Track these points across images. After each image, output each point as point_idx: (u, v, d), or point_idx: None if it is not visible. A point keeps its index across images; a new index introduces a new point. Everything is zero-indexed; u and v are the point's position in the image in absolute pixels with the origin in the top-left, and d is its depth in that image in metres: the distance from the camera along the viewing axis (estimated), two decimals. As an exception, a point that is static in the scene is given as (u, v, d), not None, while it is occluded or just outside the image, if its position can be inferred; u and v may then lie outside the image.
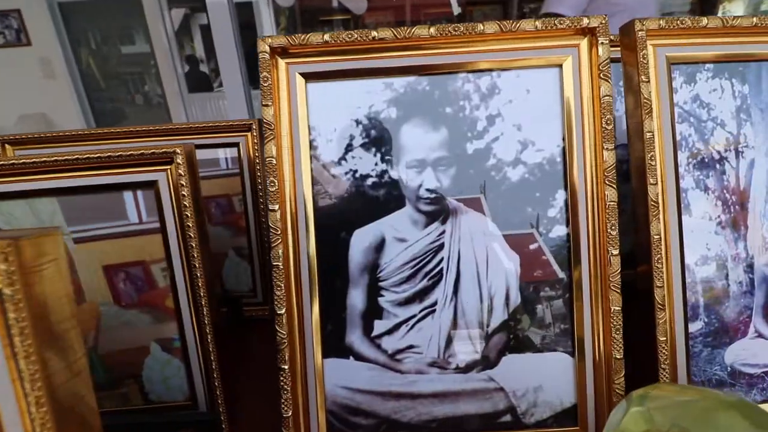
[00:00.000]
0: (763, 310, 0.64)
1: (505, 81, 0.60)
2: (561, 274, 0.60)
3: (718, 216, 0.63)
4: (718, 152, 0.63)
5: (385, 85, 0.60)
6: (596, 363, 0.60)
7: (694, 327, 0.62)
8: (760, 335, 0.64)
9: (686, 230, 0.62)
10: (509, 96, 0.60)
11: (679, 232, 0.61)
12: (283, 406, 0.58)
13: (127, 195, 0.64)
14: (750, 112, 0.64)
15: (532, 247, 0.61)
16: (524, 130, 0.60)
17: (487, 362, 0.60)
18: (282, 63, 0.59)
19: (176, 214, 0.62)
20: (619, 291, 0.58)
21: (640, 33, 0.60)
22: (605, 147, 0.58)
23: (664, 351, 0.60)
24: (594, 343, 0.60)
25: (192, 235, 0.62)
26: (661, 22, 0.60)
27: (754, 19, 0.62)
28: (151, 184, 0.63)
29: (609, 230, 0.58)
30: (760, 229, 0.63)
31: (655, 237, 0.59)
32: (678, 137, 0.62)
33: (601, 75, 0.58)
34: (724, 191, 0.63)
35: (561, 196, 0.60)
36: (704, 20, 0.61)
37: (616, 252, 0.58)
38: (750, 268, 0.63)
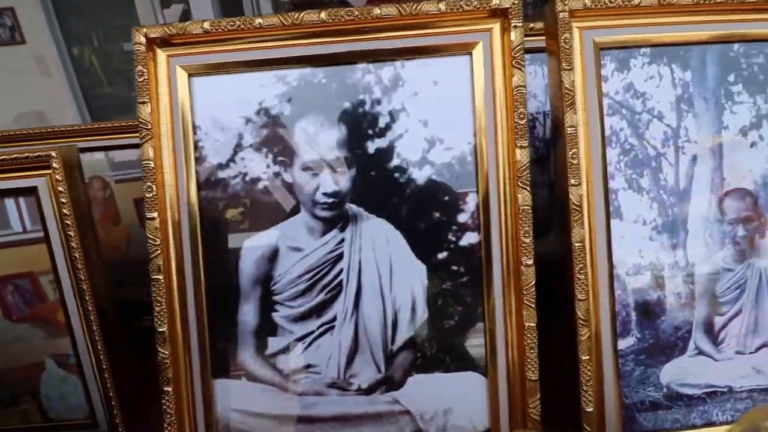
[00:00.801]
0: (705, 325, 0.57)
1: (410, 71, 0.54)
2: (472, 287, 0.54)
3: (654, 220, 0.56)
4: (655, 148, 0.56)
5: (277, 78, 0.54)
6: (511, 384, 0.54)
7: (625, 344, 0.56)
8: (702, 352, 0.57)
9: (616, 236, 0.55)
10: (414, 88, 0.54)
11: (608, 238, 0.55)
12: (166, 430, 0.54)
13: (9, 202, 0.59)
14: (692, 102, 0.56)
15: (441, 255, 0.55)
16: (431, 126, 0.54)
17: (391, 383, 0.55)
18: (162, 55, 0.54)
19: (59, 222, 0.58)
20: (533, 305, 0.52)
21: (562, 15, 0.53)
22: (518, 144, 0.52)
23: (587, 371, 0.54)
24: (508, 363, 0.54)
25: (75, 245, 0.57)
26: (587, 1, 0.53)
27: (698, -5, 0.55)
28: (32, 191, 0.58)
29: (522, 237, 0.52)
30: (702, 234, 0.57)
31: (577, 244, 0.53)
32: (608, 132, 0.56)
33: (515, 63, 0.52)
34: (661, 192, 0.56)
35: (472, 199, 0.54)
36: None
37: (530, 262, 0.52)
38: (690, 278, 0.57)
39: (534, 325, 0.53)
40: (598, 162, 0.55)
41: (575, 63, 0.54)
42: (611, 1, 0.53)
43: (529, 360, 0.53)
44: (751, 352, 0.58)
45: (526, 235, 0.52)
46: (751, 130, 0.57)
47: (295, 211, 0.55)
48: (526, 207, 0.52)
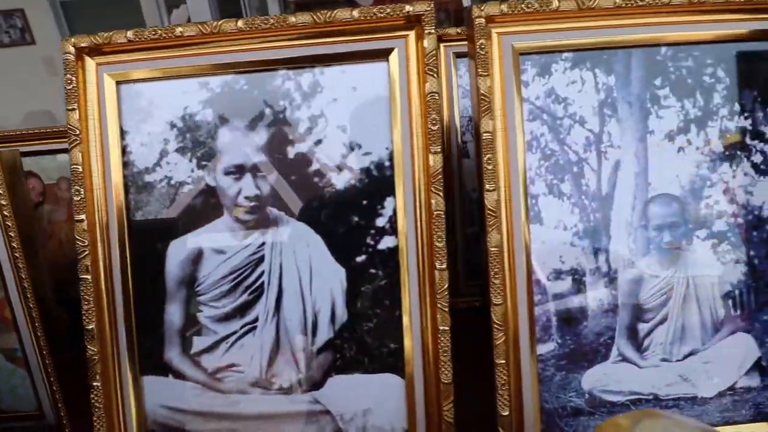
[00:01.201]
0: (628, 331, 0.56)
1: (329, 78, 0.55)
2: (390, 290, 0.55)
3: (575, 225, 0.56)
4: (576, 153, 0.56)
5: (200, 84, 0.56)
6: (427, 387, 0.55)
7: (545, 348, 0.56)
8: (625, 359, 0.57)
9: (536, 241, 0.55)
10: (333, 94, 0.55)
11: (527, 243, 0.55)
12: (95, 424, 0.56)
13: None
14: (616, 107, 0.56)
15: (360, 259, 0.55)
16: (350, 132, 0.55)
17: (312, 383, 0.56)
18: (91, 63, 0.56)
19: (1, 224, 0.60)
20: (446, 309, 0.53)
21: (478, 20, 0.53)
22: (432, 150, 0.52)
23: (502, 375, 0.54)
24: (424, 366, 0.54)
25: (16, 246, 0.60)
26: (503, 6, 0.53)
27: (619, -1, 0.54)
28: (-25, 191, 0.61)
29: (436, 242, 0.52)
30: (625, 240, 0.56)
31: (493, 249, 0.53)
32: (528, 137, 0.56)
33: (428, 69, 0.52)
34: (583, 197, 0.56)
35: (390, 204, 0.55)
36: (555, 2, 0.53)
37: (443, 266, 0.53)
38: (613, 284, 0.56)
39: (447, 328, 0.53)
40: (518, 167, 0.55)
41: (494, 68, 0.54)
42: (528, 6, 0.53)
43: (442, 363, 0.53)
44: (677, 360, 0.57)
45: (440, 239, 0.52)
46: (679, 135, 0.56)
47: (218, 214, 0.56)
48: (439, 212, 0.52)
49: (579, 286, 0.56)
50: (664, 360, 0.57)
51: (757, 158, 0.57)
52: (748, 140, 0.57)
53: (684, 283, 0.57)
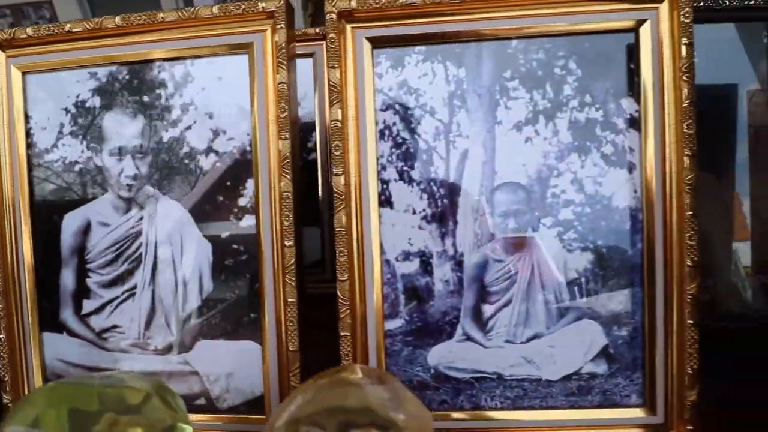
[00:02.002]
0: (472, 311, 0.59)
1: (199, 69, 0.60)
2: (250, 265, 0.60)
3: (424, 210, 0.59)
4: (426, 142, 0.59)
5: (90, 75, 0.62)
6: (279, 354, 0.59)
7: (393, 324, 0.60)
8: (469, 338, 0.59)
9: (386, 223, 0.59)
10: (202, 84, 0.60)
11: (378, 225, 0.58)
12: (1, 371, 0.64)
13: None
14: (465, 98, 0.58)
15: (224, 235, 0.61)
16: (216, 119, 0.60)
17: (182, 346, 0.62)
18: (1, 56, 0.63)
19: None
20: (293, 283, 0.57)
21: (329, 15, 0.57)
22: (281, 137, 0.57)
23: (346, 346, 0.58)
24: (278, 335, 0.59)
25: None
26: (353, 2, 0.57)
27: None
28: None
29: (283, 221, 0.57)
30: (471, 225, 0.59)
31: (339, 229, 0.57)
32: (381, 126, 0.59)
33: (279, 61, 0.56)
34: (432, 184, 0.59)
35: (251, 185, 0.60)
36: None
37: (290, 243, 0.57)
38: (459, 266, 0.59)
39: (294, 300, 0.58)
40: (369, 154, 0.58)
41: (347, 61, 0.58)
42: (376, 1, 0.56)
43: (290, 332, 0.58)
44: (521, 342, 0.59)
45: (287, 219, 0.57)
46: (527, 126, 0.58)
47: (104, 191, 0.63)
48: (288, 193, 0.57)
49: (426, 267, 0.59)
50: (508, 341, 0.59)
51: (608, 149, 0.58)
52: (598, 131, 0.58)
53: (528, 269, 0.59)
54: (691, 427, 0.56)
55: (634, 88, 0.57)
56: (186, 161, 0.61)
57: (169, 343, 0.62)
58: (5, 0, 1.66)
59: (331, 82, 0.57)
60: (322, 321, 0.62)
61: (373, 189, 0.58)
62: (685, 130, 0.55)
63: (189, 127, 0.60)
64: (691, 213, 0.55)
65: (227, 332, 0.61)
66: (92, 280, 0.64)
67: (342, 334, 0.58)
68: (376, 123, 0.59)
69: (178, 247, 0.61)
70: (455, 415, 0.59)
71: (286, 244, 0.57)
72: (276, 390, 0.60)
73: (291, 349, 0.58)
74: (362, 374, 0.43)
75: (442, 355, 0.59)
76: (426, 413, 0.46)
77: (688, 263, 0.55)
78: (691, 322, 0.56)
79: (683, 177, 0.55)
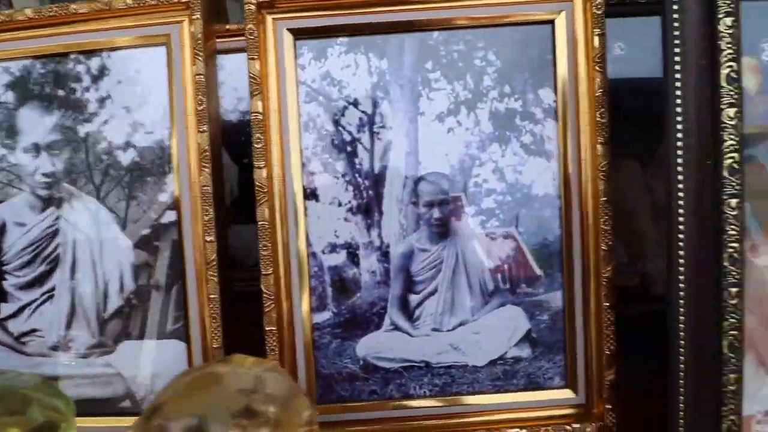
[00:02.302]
0: (399, 301, 0.60)
1: (116, 61, 0.58)
2: (172, 261, 0.59)
3: (349, 202, 0.59)
4: (350, 134, 0.59)
5: (3, 69, 0.60)
6: (205, 351, 0.58)
7: (322, 317, 0.59)
8: (397, 328, 0.60)
9: (312, 216, 0.59)
10: (119, 77, 0.59)
11: (303, 218, 0.58)
12: None
13: None
14: (388, 90, 0.59)
15: (145, 232, 0.59)
16: (134, 112, 0.59)
17: (104, 348, 0.60)
18: None
19: None
20: (215, 278, 0.56)
21: (248, 6, 0.56)
22: (200, 130, 0.56)
23: (272, 341, 0.57)
24: (201, 332, 0.58)
25: None
26: (264, -8, 0.56)
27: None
28: None
29: (204, 216, 0.56)
30: (396, 215, 0.59)
31: (261, 222, 0.57)
32: (305, 118, 0.59)
33: (196, 53, 0.56)
34: (356, 175, 0.59)
35: (171, 180, 0.58)
36: None
37: (211, 239, 0.56)
38: (385, 256, 0.59)
39: (216, 296, 0.57)
40: (293, 146, 0.58)
41: (268, 52, 0.57)
42: None
43: (213, 329, 0.57)
44: (448, 330, 0.60)
45: (207, 213, 0.56)
46: (449, 116, 0.59)
47: (20, 189, 0.60)
48: (207, 187, 0.56)
49: (353, 259, 0.59)
50: (435, 330, 0.60)
51: (527, 138, 0.59)
52: (518, 121, 0.59)
53: (453, 257, 0.59)
54: (610, 406, 0.58)
55: (551, 78, 0.59)
56: (104, 157, 0.59)
57: (91, 345, 0.60)
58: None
59: (251, 74, 0.56)
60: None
61: (297, 182, 0.58)
62: (598, 119, 0.57)
63: (106, 122, 0.59)
64: (605, 199, 0.57)
65: (151, 332, 0.60)
66: (9, 283, 0.61)
67: (267, 328, 0.57)
68: (300, 115, 0.58)
69: (98, 246, 0.60)
70: (385, 404, 0.59)
71: (207, 239, 0.56)
72: (203, 388, 0.59)
73: (215, 346, 0.57)
74: (234, 366, 0.43)
75: (370, 345, 0.60)
76: (302, 404, 0.45)
77: (603, 247, 0.57)
78: (607, 304, 0.58)
79: (597, 164, 0.57)
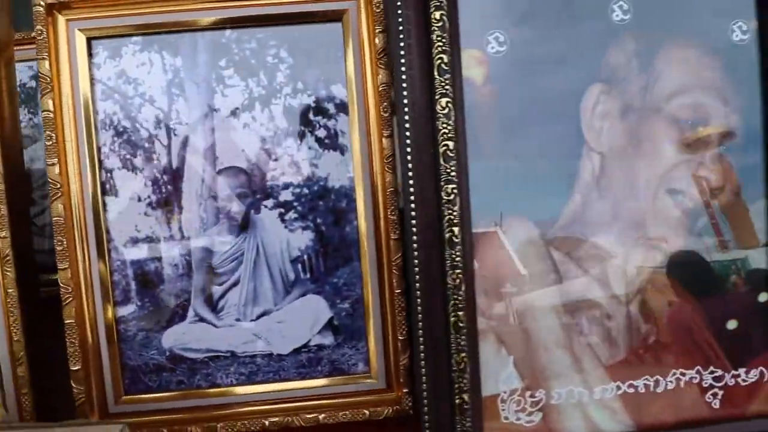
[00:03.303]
0: (202, 292, 0.61)
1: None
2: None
3: (149, 196, 0.61)
4: (147, 130, 0.60)
5: None
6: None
7: (126, 310, 0.61)
8: (201, 319, 0.62)
9: (112, 211, 0.60)
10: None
11: (102, 213, 0.60)
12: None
13: None
14: (183, 87, 0.60)
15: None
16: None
17: None
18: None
19: None
20: (11, 271, 0.58)
21: (36, 8, 0.57)
22: None
23: (71, 333, 0.59)
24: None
25: None
26: (64, -6, 0.58)
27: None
28: None
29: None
30: (197, 209, 0.61)
31: (56, 218, 0.58)
32: (102, 115, 0.60)
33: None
34: (155, 171, 0.60)
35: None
36: None
37: (5, 234, 0.57)
38: (186, 250, 0.61)
39: (13, 291, 0.58)
40: (85, 143, 0.59)
41: (60, 52, 0.58)
42: None
43: (12, 326, 0.58)
44: (252, 320, 0.62)
45: (-1, 210, 0.57)
46: (244, 112, 0.61)
47: None
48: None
49: (154, 252, 0.61)
50: (238, 320, 0.62)
51: (321, 133, 0.61)
52: (311, 116, 0.61)
53: (254, 249, 0.61)
54: (407, 390, 0.61)
55: (342, 75, 0.61)
56: None
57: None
58: None
59: (41, 73, 0.57)
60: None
61: (93, 178, 0.59)
62: (382, 113, 0.59)
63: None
64: (392, 189, 0.59)
65: None
66: None
67: (67, 321, 0.59)
68: (96, 113, 0.59)
69: None
70: (192, 393, 0.61)
71: (1, 235, 0.57)
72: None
73: (15, 339, 0.58)
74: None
75: (176, 337, 0.61)
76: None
77: (393, 236, 0.60)
78: (399, 291, 0.60)
79: (384, 157, 0.59)
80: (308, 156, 0.61)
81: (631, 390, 0.52)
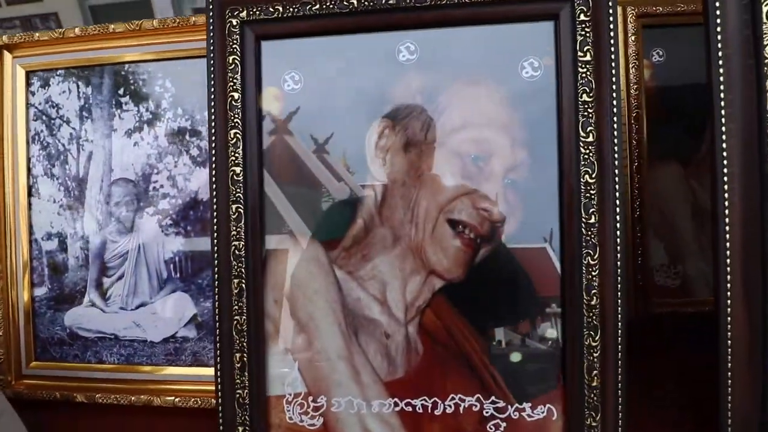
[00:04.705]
0: (95, 282, 0.73)
1: None
2: None
3: (62, 199, 0.73)
4: (63, 145, 0.73)
5: None
6: (-44, 311, 0.75)
7: (40, 291, 0.74)
8: (94, 304, 0.73)
9: (35, 210, 0.74)
10: None
11: (28, 211, 0.74)
12: None
13: None
14: (91, 110, 0.72)
15: (-73, 218, 0.78)
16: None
17: None
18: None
19: None
20: (-40, 256, 0.73)
21: (-13, 48, 0.73)
22: (-50, 141, 0.73)
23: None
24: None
25: None
26: (17, 37, 0.73)
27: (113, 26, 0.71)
28: None
29: (-50, 207, 0.73)
30: (95, 212, 0.72)
31: (-8, 214, 0.73)
32: (33, 132, 0.74)
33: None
34: (67, 179, 0.73)
35: None
36: (75, 30, 0.71)
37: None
38: (86, 245, 0.73)
39: (-42, 270, 0.74)
40: (20, 155, 0.74)
41: (5, 82, 0.74)
42: (41, 35, 0.72)
43: (-43, 294, 0.74)
44: (132, 309, 0.72)
45: (-48, 204, 0.73)
46: (135, 133, 0.71)
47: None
48: None
49: (62, 246, 0.74)
50: (122, 308, 0.72)
51: (194, 152, 0.70)
52: (187, 137, 0.70)
53: (137, 249, 0.72)
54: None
55: (214, 101, 0.69)
56: None
57: None
58: (16, 12, 1.60)
59: (-15, 99, 0.73)
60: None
61: (23, 182, 0.74)
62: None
63: None
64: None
65: (-70, 293, 0.78)
66: None
67: (-8, 299, 0.73)
68: (29, 130, 0.74)
69: None
70: (84, 366, 0.73)
71: None
72: (-45, 340, 0.76)
73: (-41, 308, 0.74)
74: None
75: (74, 318, 0.73)
76: None
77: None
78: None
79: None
80: (183, 171, 0.70)
81: (409, 408, 0.54)
